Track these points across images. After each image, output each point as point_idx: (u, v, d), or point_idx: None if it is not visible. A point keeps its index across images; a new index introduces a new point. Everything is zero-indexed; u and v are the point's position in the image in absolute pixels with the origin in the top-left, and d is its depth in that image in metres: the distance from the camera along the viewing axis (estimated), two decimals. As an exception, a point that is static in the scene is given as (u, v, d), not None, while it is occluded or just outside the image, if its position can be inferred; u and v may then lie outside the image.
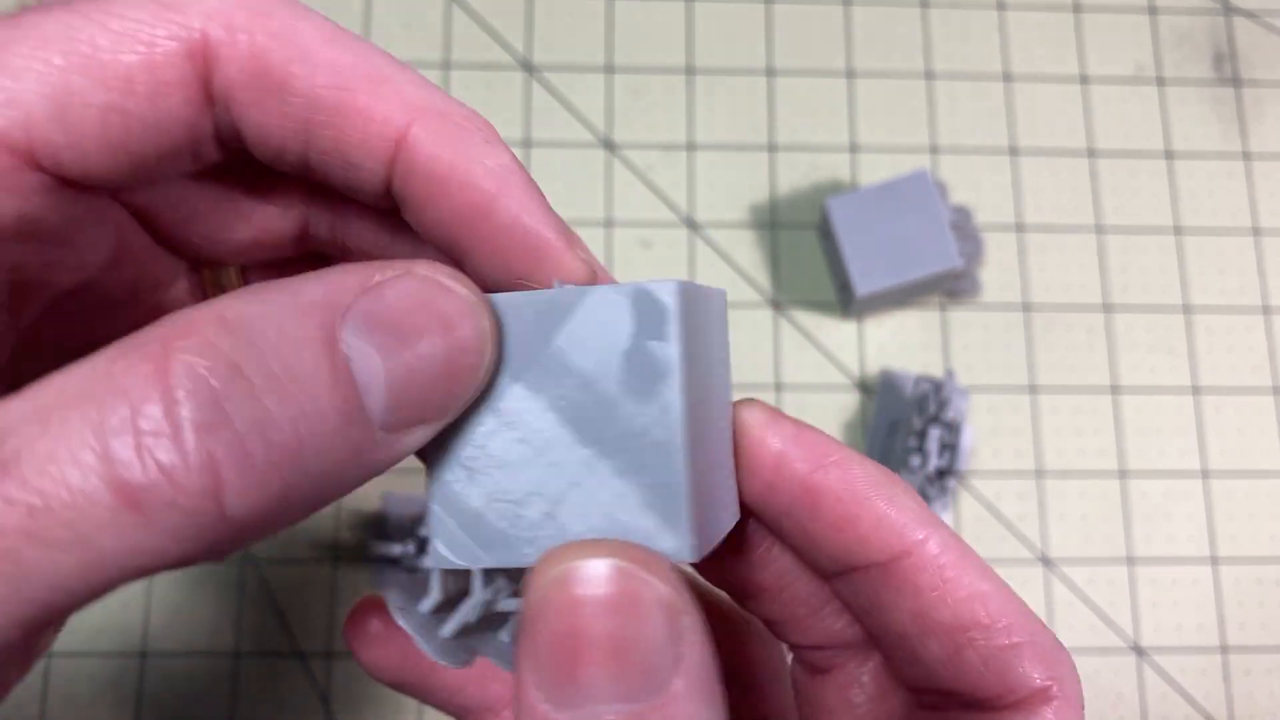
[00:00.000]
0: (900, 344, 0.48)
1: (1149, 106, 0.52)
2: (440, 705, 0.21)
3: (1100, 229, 0.50)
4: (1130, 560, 0.46)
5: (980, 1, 0.53)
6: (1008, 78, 0.52)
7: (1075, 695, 0.17)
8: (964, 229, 0.47)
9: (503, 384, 0.16)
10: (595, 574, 0.14)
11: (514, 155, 0.18)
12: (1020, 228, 0.50)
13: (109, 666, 0.43)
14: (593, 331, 0.16)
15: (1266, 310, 0.49)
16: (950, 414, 0.44)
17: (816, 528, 0.18)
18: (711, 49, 0.52)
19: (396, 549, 0.42)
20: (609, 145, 0.50)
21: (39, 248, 0.17)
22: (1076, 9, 0.53)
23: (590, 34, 0.51)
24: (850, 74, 0.51)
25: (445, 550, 0.17)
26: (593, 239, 0.49)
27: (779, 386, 0.48)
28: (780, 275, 0.49)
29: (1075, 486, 0.47)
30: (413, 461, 0.17)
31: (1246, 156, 0.51)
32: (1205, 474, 0.47)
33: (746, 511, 0.19)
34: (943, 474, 0.44)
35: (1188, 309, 0.49)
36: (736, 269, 0.49)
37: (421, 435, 0.16)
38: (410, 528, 0.43)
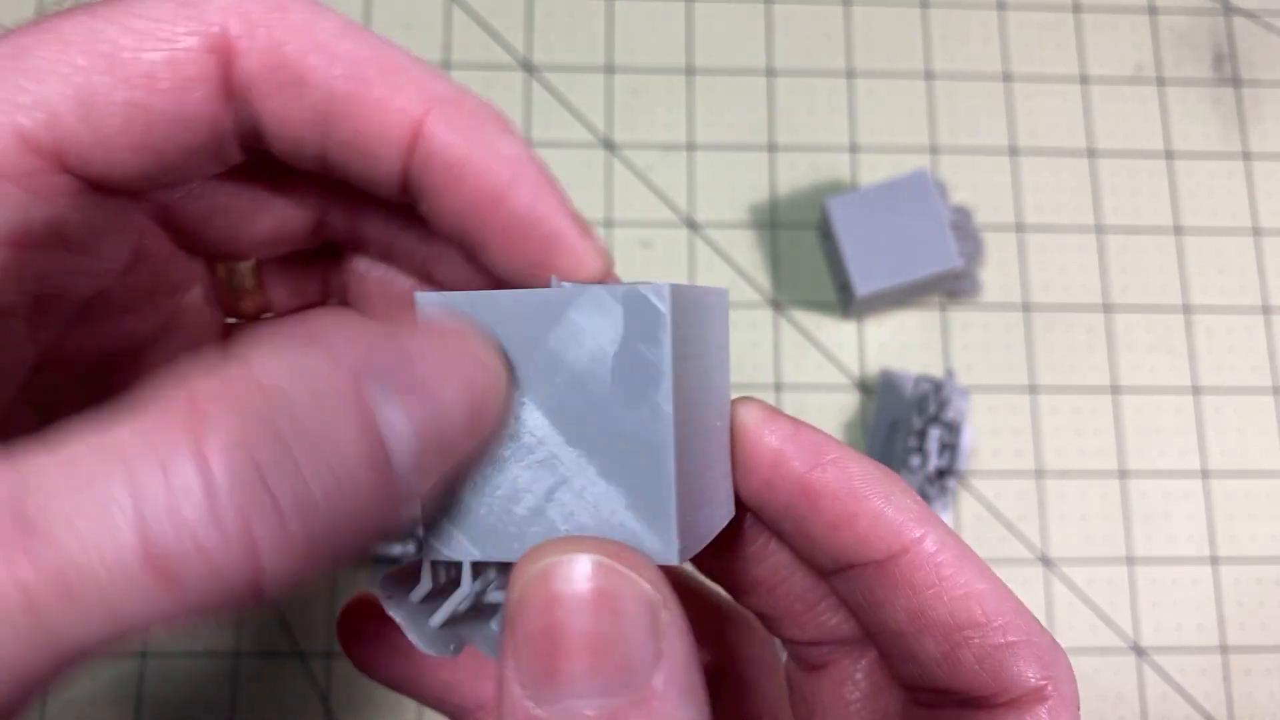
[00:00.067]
0: (900, 344, 0.48)
1: (1149, 106, 0.52)
2: (433, 703, 0.21)
3: (1100, 229, 0.50)
4: (1130, 560, 0.46)
5: (980, 1, 0.53)
6: (1008, 78, 0.52)
7: (1070, 696, 0.17)
8: (964, 229, 0.47)
9: None
10: (576, 570, 0.15)
11: (528, 145, 0.18)
12: (1020, 228, 0.50)
13: (109, 666, 0.43)
14: (584, 333, 0.16)
15: (1266, 310, 0.49)
16: (950, 414, 0.44)
17: (814, 526, 0.18)
18: (711, 49, 0.52)
19: (396, 549, 0.42)
20: (609, 145, 0.50)
21: (64, 256, 0.17)
22: (1076, 9, 0.53)
23: (590, 34, 0.51)
24: (850, 74, 0.51)
25: (436, 543, 0.17)
26: (593, 239, 0.49)
27: (779, 386, 0.48)
28: (780, 275, 0.49)
29: (1075, 486, 0.47)
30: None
31: (1246, 156, 0.51)
32: (1205, 474, 0.47)
33: (744, 508, 0.19)
34: (943, 474, 0.44)
35: (1188, 309, 0.49)
36: (736, 269, 0.49)
37: (439, 475, 0.16)
38: (410, 528, 0.43)
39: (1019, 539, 0.46)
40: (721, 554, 0.20)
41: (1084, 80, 0.52)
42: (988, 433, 0.47)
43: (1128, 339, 0.49)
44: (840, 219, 0.46)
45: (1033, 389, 0.48)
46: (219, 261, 0.22)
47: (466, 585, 0.17)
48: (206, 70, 0.16)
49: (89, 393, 0.20)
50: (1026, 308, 0.49)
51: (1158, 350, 0.49)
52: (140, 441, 0.12)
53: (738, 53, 0.52)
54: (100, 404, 0.20)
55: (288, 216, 0.21)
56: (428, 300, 0.17)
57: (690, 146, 0.50)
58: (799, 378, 0.48)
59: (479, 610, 0.18)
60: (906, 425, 0.45)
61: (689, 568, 0.21)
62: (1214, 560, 0.46)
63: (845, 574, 0.18)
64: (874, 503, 0.18)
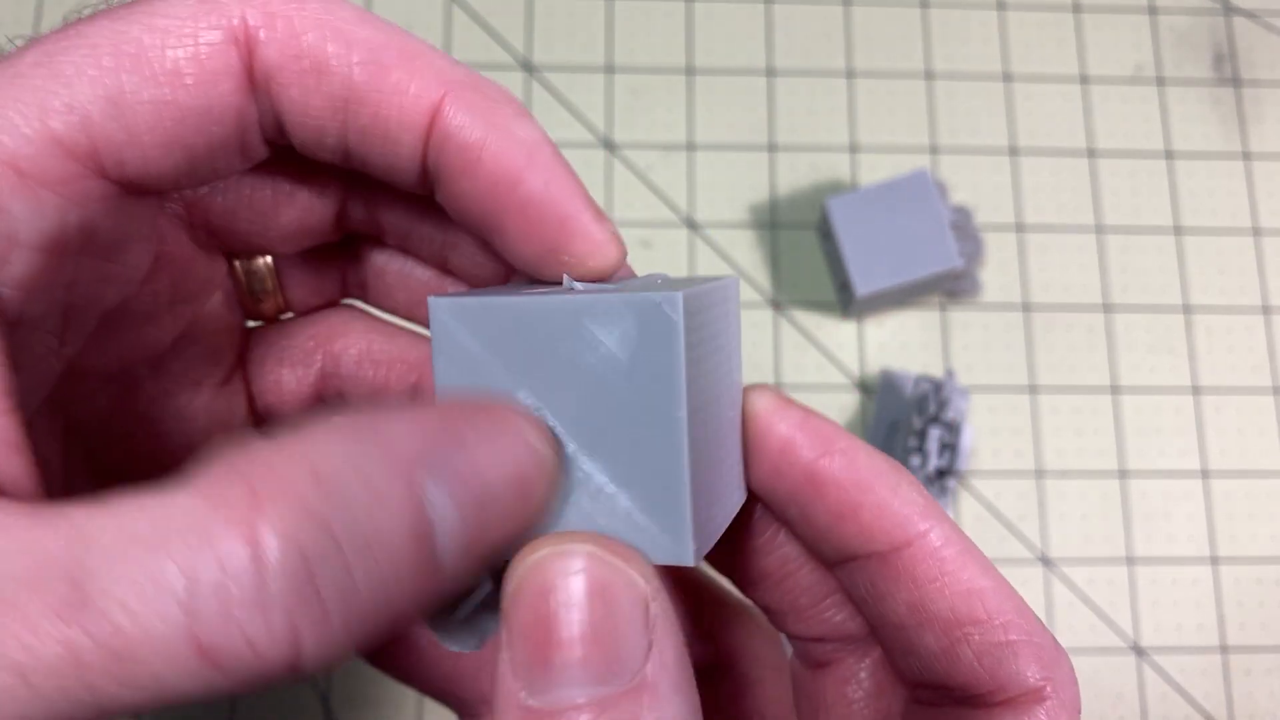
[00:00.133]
0: (900, 344, 0.48)
1: (1149, 106, 0.52)
2: (436, 695, 0.22)
3: (1100, 229, 0.50)
4: (1130, 560, 0.46)
5: (980, 1, 0.53)
6: (1008, 78, 0.52)
7: (1070, 697, 0.17)
8: (964, 229, 0.47)
9: (507, 388, 0.17)
10: (569, 562, 0.15)
11: (543, 130, 0.18)
12: (1020, 228, 0.50)
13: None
14: (598, 341, 0.16)
15: (1266, 310, 0.49)
16: (950, 414, 0.44)
17: (819, 514, 0.18)
18: (711, 49, 0.52)
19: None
20: (609, 145, 0.50)
21: (94, 263, 0.17)
22: (1076, 9, 0.53)
23: (590, 34, 0.51)
24: (850, 74, 0.51)
25: None
26: (593, 239, 0.49)
27: (779, 386, 0.48)
28: (780, 275, 0.49)
29: (1075, 486, 0.47)
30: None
31: (1246, 156, 0.51)
32: (1205, 474, 0.47)
33: (752, 496, 0.19)
34: (943, 474, 0.44)
35: (1188, 309, 0.49)
36: (736, 269, 0.49)
37: (482, 560, 0.16)
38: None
39: (1019, 539, 0.46)
40: (731, 545, 0.20)
41: (1084, 80, 0.52)
42: (988, 433, 0.47)
43: (1128, 339, 0.49)
44: (840, 219, 0.46)
45: (1033, 389, 0.48)
46: (244, 258, 0.22)
47: (486, 582, 0.18)
48: (230, 63, 0.17)
49: (112, 403, 0.20)
50: (1026, 308, 0.49)
51: (1158, 350, 0.49)
52: (196, 521, 0.13)
53: (738, 53, 0.52)
54: (122, 414, 0.21)
55: (311, 208, 0.21)
56: (440, 305, 0.17)
57: (690, 146, 0.50)
58: (799, 378, 0.48)
59: (497, 604, 0.19)
60: (906, 425, 0.45)
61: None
62: (1214, 560, 0.46)
63: (849, 565, 0.19)
64: (879, 494, 0.18)
